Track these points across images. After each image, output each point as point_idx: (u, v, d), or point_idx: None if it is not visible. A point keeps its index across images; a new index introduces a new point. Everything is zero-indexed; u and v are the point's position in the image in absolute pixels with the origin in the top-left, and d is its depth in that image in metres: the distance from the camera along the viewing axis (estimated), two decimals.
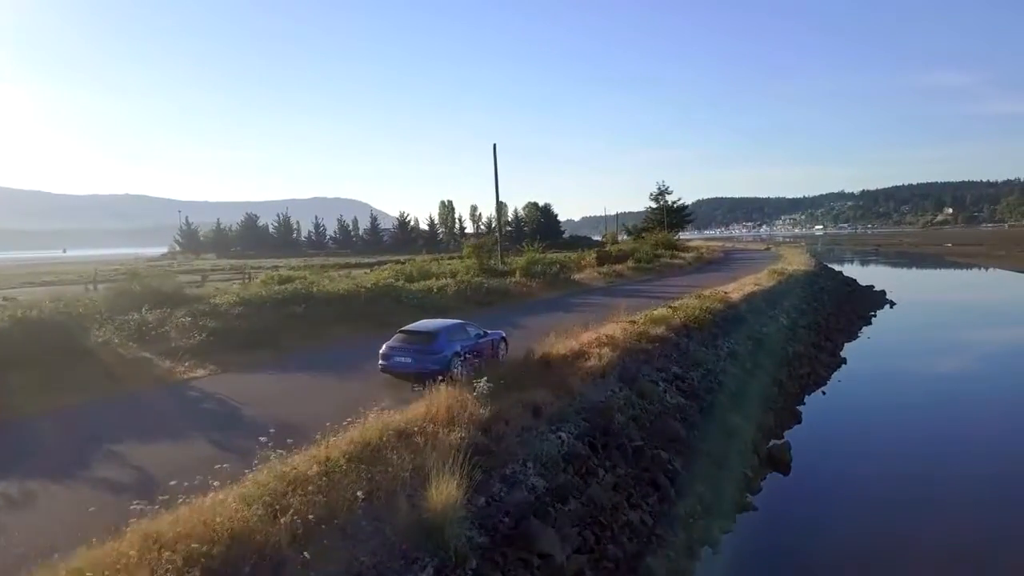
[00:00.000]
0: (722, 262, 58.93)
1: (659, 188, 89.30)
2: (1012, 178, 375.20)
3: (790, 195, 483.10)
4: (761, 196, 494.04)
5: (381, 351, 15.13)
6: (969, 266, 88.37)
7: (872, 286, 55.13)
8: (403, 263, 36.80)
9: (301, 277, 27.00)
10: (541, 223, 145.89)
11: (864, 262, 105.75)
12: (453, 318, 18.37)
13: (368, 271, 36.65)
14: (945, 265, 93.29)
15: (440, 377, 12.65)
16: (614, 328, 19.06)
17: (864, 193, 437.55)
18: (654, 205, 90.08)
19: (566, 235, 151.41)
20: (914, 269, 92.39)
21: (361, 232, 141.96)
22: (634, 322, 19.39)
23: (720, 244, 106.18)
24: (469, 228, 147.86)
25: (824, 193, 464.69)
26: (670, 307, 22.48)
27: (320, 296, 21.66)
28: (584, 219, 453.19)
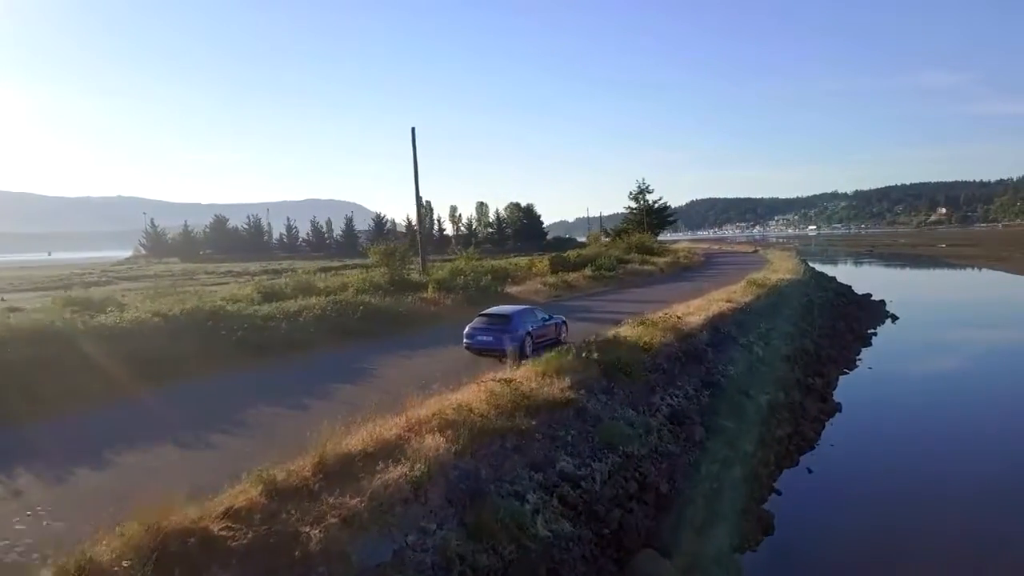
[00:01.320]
0: (700, 268, 51.69)
1: (639, 186, 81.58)
2: (1005, 177, 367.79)
3: (784, 195, 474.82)
4: (755, 196, 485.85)
5: (465, 331, 17.39)
6: (970, 268, 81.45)
7: (869, 295, 48.22)
8: (285, 274, 29.49)
9: (81, 301, 19.35)
10: (524, 224, 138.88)
11: (859, 264, 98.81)
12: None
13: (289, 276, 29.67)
14: (945, 267, 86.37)
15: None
16: (477, 392, 11.93)
17: (857, 193, 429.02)
18: (633, 205, 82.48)
19: (550, 237, 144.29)
20: (913, 272, 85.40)
21: (336, 234, 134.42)
22: (510, 381, 12.22)
23: (707, 246, 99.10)
24: (449, 229, 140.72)
25: (817, 193, 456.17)
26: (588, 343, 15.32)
27: (62, 335, 14.42)
28: (579, 220, 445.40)
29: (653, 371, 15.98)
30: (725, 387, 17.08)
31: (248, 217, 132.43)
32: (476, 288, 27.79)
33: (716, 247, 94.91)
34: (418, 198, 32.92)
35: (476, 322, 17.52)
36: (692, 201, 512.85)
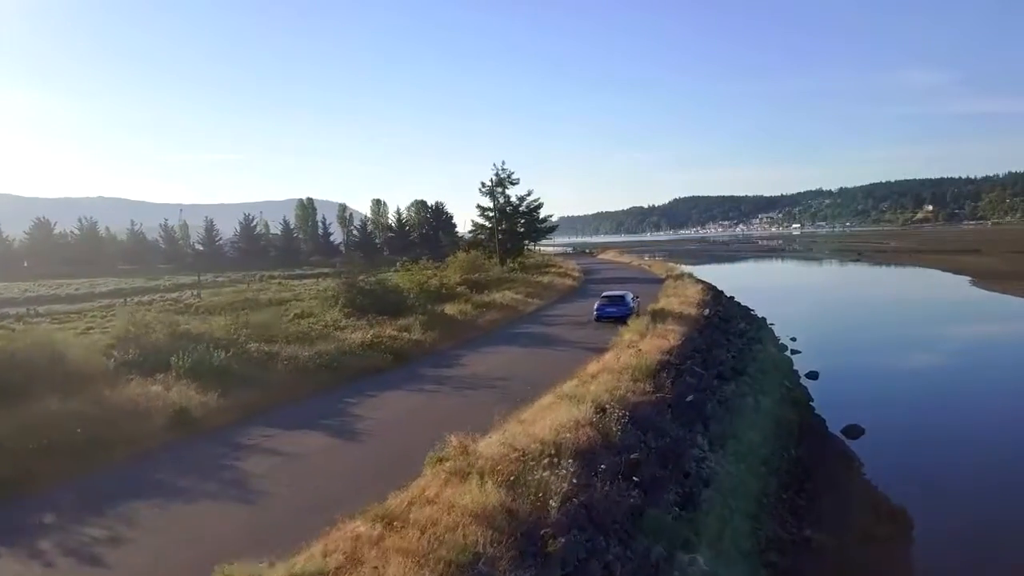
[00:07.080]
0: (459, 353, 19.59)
1: (497, 175, 48.56)
2: (991, 174, 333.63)
3: (768, 193, 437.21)
4: (739, 194, 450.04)
5: (595, 307, 25.20)
6: (1009, 296, 48.95)
7: (860, 432, 16.92)
8: None
9: None
10: (432, 226, 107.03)
11: (843, 265, 67.11)
12: None
13: None
14: (973, 293, 53.75)
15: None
16: None
17: (842, 191, 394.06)
18: (487, 204, 49.60)
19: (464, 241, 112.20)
20: (918, 297, 52.50)
21: (193, 241, 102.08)
22: None
23: (628, 260, 67.43)
24: (337, 235, 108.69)
25: (802, 191, 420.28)
26: None
27: None
28: (562, 219, 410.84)
29: None
30: None
31: (80, 220, 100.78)
32: None
33: (638, 263, 62.95)
34: None
35: (601, 301, 25.24)
36: (675, 199, 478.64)
